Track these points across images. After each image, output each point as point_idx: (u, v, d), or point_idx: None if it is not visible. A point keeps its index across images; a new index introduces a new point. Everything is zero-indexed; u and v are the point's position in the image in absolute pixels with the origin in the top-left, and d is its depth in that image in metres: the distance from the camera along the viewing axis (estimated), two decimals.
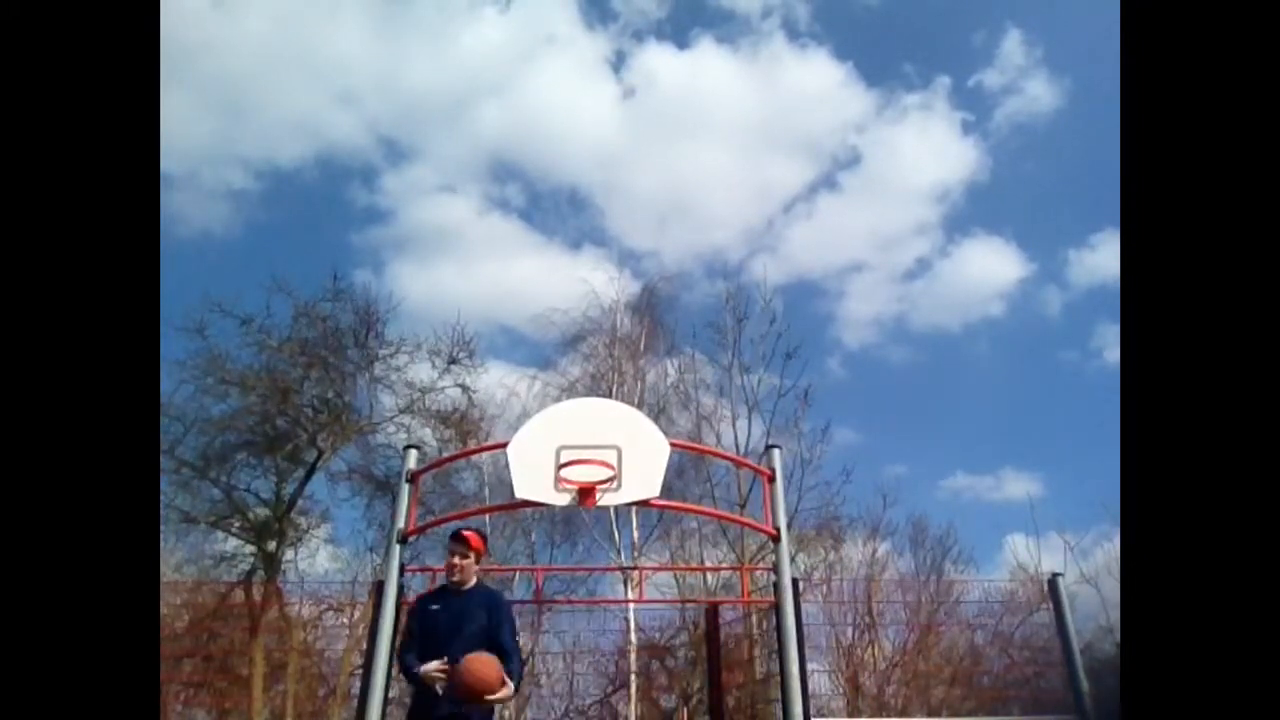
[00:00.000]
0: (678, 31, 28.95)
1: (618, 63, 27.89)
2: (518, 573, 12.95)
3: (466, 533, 4.23)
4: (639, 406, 11.70)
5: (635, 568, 12.17)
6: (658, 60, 26.60)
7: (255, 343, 11.68)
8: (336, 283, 12.41)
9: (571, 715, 12.16)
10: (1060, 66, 24.77)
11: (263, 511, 11.64)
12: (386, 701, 5.37)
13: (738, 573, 11.48)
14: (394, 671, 3.79)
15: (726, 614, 10.84)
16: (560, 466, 5.86)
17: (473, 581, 4.21)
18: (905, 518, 16.04)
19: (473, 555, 4.18)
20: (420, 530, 6.62)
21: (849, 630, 12.54)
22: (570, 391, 15.22)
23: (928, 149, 24.16)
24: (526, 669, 12.50)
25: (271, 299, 11.80)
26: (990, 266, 24.37)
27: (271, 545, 11.32)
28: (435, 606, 4.12)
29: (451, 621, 4.00)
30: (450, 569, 4.19)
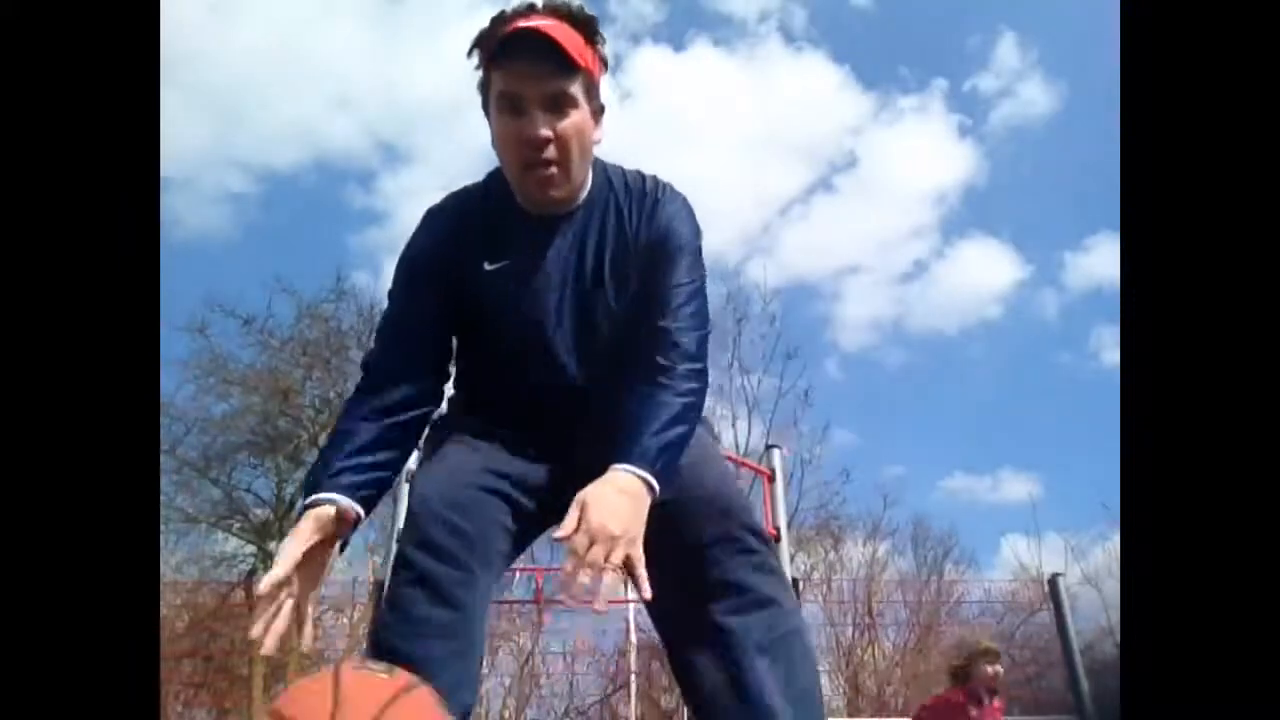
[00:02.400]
0: (674, 34, 28.88)
1: (615, 66, 27.60)
2: (518, 573, 12.96)
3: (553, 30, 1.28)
4: None
5: None
6: (655, 63, 26.59)
7: (257, 343, 11.71)
8: (340, 283, 12.45)
9: (571, 715, 12.16)
10: (1056, 69, 24.76)
11: (263, 512, 11.66)
12: None
13: None
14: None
15: None
16: None
17: (587, 189, 1.40)
18: (905, 518, 16.03)
19: (584, 101, 1.36)
20: None
21: (849, 630, 12.57)
22: None
23: (924, 152, 24.11)
24: (527, 669, 12.52)
25: (273, 299, 11.84)
26: (987, 269, 24.30)
27: (271, 545, 11.33)
28: (497, 264, 1.36)
29: (547, 303, 1.35)
30: (529, 147, 1.27)
